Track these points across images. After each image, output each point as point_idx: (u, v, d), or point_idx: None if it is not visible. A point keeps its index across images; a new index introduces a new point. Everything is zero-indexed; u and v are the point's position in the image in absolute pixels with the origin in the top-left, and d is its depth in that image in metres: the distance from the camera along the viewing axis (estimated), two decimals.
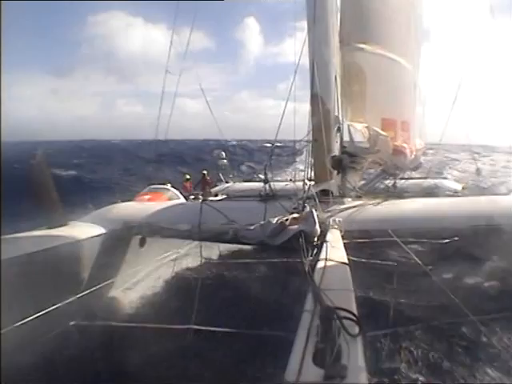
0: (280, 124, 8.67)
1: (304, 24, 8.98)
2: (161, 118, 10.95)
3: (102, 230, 7.40)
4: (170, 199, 10.09)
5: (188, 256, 9.86)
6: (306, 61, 8.75)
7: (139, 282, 8.36)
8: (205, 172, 15.19)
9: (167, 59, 11.20)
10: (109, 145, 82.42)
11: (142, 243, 8.27)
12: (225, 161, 17.66)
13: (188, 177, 14.95)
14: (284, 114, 8.57)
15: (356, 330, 2.56)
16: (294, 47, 9.26)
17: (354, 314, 2.72)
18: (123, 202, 9.14)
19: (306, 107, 8.74)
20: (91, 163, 38.64)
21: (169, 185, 11.23)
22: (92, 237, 7.14)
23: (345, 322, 2.59)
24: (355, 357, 2.32)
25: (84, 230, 7.23)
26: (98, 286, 6.96)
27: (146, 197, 9.96)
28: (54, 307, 5.77)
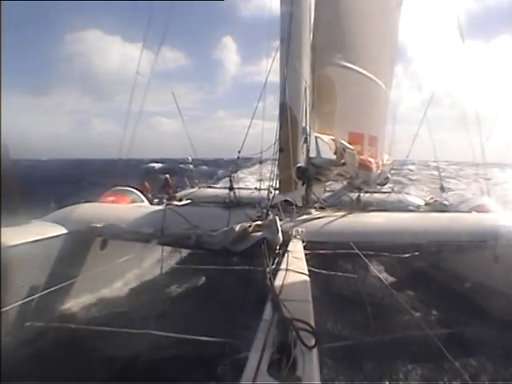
0: (246, 134, 8.75)
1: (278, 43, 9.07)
2: (132, 135, 10.85)
3: (63, 230, 7.28)
4: (133, 201, 9.99)
5: (149, 260, 9.78)
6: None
7: (98, 285, 8.24)
8: (167, 176, 15.04)
9: (138, 63, 11.16)
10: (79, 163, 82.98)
11: (104, 245, 8.17)
12: (191, 166, 17.54)
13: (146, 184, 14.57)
14: (256, 130, 8.68)
15: (312, 341, 2.56)
16: (267, 65, 9.34)
17: (310, 326, 2.73)
18: (86, 202, 9.00)
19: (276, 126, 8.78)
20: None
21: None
22: (53, 236, 7.02)
23: (301, 333, 2.59)
24: (310, 368, 2.32)
25: (45, 229, 7.10)
26: (56, 287, 6.85)
27: (110, 198, 9.83)
28: (9, 307, 5.66)
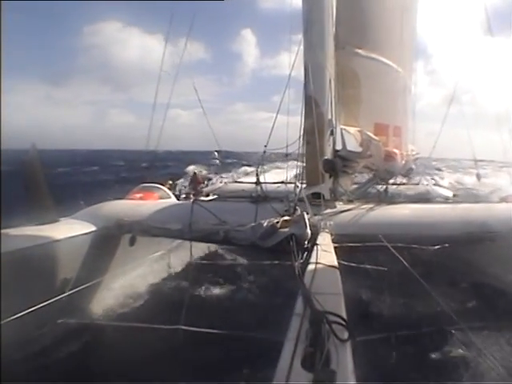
0: (272, 129, 8.72)
1: (300, 36, 8.98)
2: (153, 127, 10.97)
3: (92, 228, 7.37)
4: (161, 198, 10.06)
5: (178, 256, 9.84)
6: (301, 72, 8.75)
7: (128, 281, 8.33)
8: (195, 171, 15.08)
9: (161, 63, 11.25)
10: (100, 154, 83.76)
11: (132, 242, 8.25)
12: (217, 161, 17.59)
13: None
14: (276, 124, 8.64)
15: (345, 334, 2.56)
16: (290, 59, 9.28)
17: (343, 319, 2.72)
18: (115, 199, 9.10)
19: (299, 120, 8.69)
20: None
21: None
22: (82, 234, 7.11)
23: (334, 326, 2.59)
24: (344, 362, 2.31)
25: (74, 227, 7.20)
26: (87, 284, 6.94)
27: (138, 195, 9.90)
28: (41, 305, 5.74)
